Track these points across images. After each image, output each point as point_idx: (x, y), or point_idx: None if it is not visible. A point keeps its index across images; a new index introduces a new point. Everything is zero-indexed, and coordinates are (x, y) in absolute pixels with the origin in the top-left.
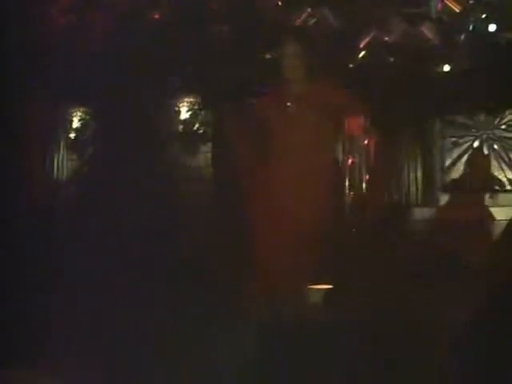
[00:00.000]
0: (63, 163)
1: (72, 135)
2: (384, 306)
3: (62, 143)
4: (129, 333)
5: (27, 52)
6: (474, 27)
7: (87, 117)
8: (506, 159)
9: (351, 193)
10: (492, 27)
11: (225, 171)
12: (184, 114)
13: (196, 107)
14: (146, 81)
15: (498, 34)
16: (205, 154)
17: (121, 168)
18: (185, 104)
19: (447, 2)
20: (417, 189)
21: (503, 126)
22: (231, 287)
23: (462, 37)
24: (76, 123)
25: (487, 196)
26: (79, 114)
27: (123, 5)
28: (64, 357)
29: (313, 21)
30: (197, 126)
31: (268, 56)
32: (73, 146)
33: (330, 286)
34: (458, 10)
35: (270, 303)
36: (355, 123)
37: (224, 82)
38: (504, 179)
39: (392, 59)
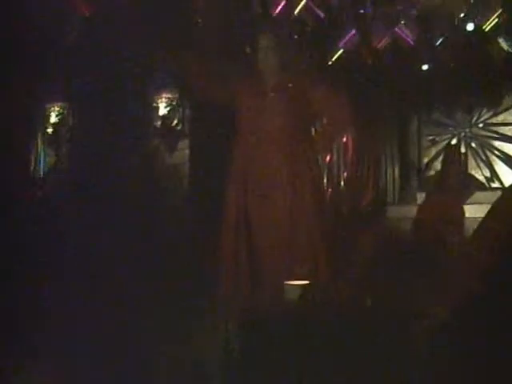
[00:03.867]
0: (41, 159)
1: (49, 131)
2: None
3: (39, 139)
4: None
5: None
6: (452, 27)
7: (65, 112)
8: (483, 157)
9: (329, 190)
10: (470, 26)
11: (202, 168)
12: (162, 110)
13: (174, 103)
14: (125, 77)
15: (477, 34)
16: (183, 150)
17: (101, 164)
18: (163, 100)
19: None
20: (394, 187)
21: (480, 125)
22: (211, 284)
23: (441, 36)
24: (54, 119)
25: (465, 194)
26: (57, 109)
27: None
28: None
29: (292, 17)
30: (175, 122)
31: (246, 50)
32: (50, 142)
33: (308, 282)
34: (436, 10)
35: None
36: (333, 122)
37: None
38: (481, 177)
39: (370, 58)
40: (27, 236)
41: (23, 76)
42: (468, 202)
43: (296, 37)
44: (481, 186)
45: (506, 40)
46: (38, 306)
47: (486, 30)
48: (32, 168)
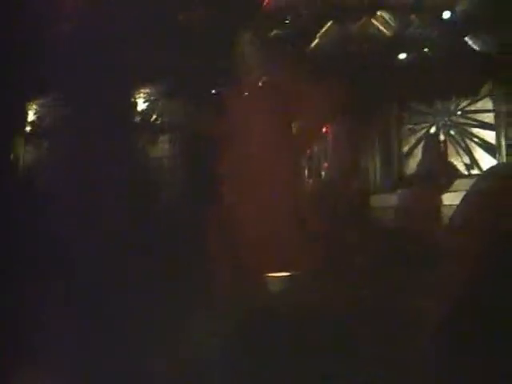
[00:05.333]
0: (23, 154)
1: (31, 125)
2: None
3: (21, 134)
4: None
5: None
6: (428, 14)
7: (47, 107)
8: (463, 145)
9: (310, 180)
10: (446, 14)
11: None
12: (142, 105)
13: (154, 98)
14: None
15: (454, 21)
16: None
17: (83, 159)
18: (142, 95)
19: None
20: (374, 176)
21: (459, 112)
22: (201, 277)
23: (418, 24)
24: (36, 113)
25: (444, 181)
26: (38, 104)
27: None
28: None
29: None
30: (155, 116)
31: (230, 45)
32: (32, 136)
33: (292, 273)
34: None
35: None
36: (313, 111)
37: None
38: (460, 164)
39: (349, 47)
40: (17, 233)
41: (5, 71)
42: (448, 189)
43: (276, 30)
44: (460, 174)
45: (482, 28)
46: (37, 305)
47: (463, 17)
48: (14, 163)
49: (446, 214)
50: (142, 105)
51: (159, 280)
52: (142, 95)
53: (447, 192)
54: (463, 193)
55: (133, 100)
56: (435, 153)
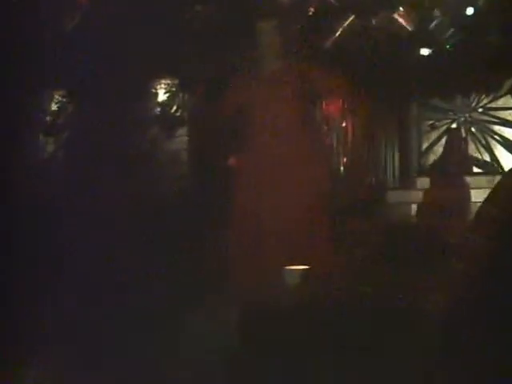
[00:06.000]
0: (39, 147)
1: (48, 119)
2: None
3: (37, 127)
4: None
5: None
6: (450, 10)
7: (64, 100)
8: (483, 141)
9: (330, 175)
10: (470, 10)
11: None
12: (162, 96)
13: (174, 89)
14: (124, 64)
15: (476, 17)
16: (182, 137)
17: (100, 151)
18: (162, 86)
19: None
20: (394, 172)
21: (480, 109)
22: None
23: (440, 20)
24: (52, 106)
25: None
26: (55, 96)
27: None
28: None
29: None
30: (174, 108)
31: (246, 38)
32: (49, 129)
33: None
34: None
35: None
36: (333, 106)
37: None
38: (481, 161)
39: (369, 42)
40: (27, 230)
41: (20, 64)
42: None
43: (296, 22)
44: (481, 171)
45: (504, 23)
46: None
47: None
48: (31, 156)
49: (469, 211)
50: (161, 97)
51: (174, 270)
52: (161, 87)
53: (468, 189)
54: (484, 190)
55: (150, 93)
56: (456, 149)
